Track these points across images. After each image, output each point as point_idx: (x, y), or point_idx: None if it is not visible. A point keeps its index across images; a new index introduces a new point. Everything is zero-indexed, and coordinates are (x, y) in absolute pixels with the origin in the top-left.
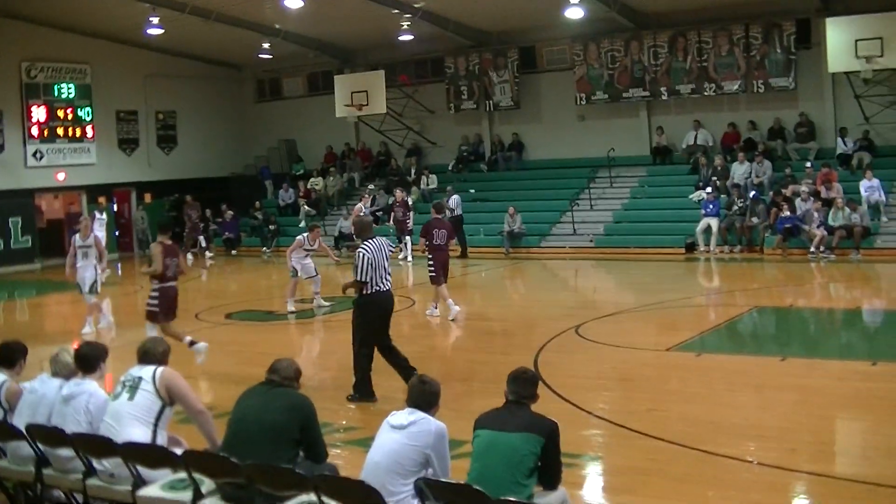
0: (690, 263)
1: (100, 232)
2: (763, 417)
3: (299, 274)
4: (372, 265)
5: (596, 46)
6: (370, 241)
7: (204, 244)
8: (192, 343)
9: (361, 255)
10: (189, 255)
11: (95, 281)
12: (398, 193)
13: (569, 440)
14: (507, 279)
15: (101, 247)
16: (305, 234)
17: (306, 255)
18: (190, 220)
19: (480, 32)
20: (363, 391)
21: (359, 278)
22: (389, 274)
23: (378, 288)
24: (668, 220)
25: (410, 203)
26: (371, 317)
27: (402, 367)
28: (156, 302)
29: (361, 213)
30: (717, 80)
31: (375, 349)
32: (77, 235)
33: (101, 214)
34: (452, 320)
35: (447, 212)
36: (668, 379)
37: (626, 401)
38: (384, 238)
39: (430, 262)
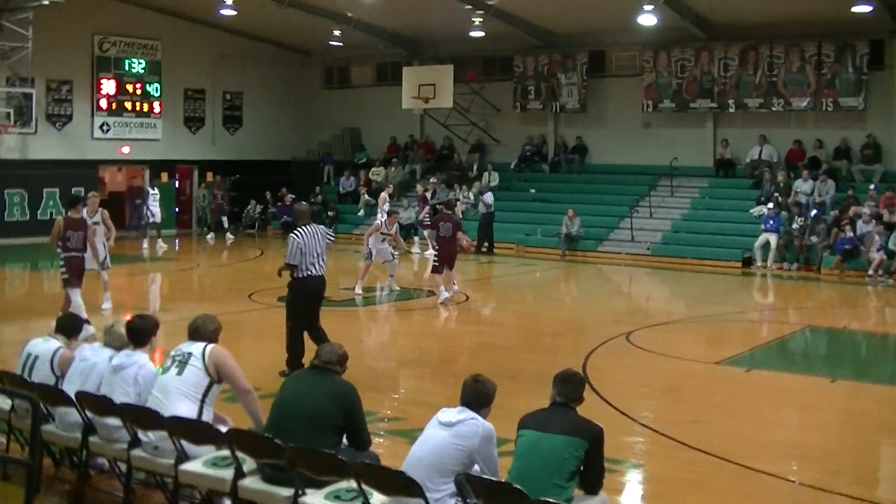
0: (746, 278)
1: (154, 207)
2: (807, 437)
3: (374, 257)
4: (302, 250)
5: (666, 54)
6: (305, 227)
7: (226, 225)
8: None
9: (293, 240)
10: (211, 235)
11: (106, 257)
12: (418, 188)
13: (611, 446)
14: (562, 281)
15: (108, 222)
16: (384, 219)
17: (383, 240)
18: (215, 200)
19: (551, 33)
20: (294, 368)
21: (287, 261)
22: (323, 260)
23: (309, 272)
24: (727, 233)
25: (428, 197)
26: (301, 299)
27: (299, 355)
28: (64, 270)
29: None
30: (786, 96)
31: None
32: (86, 211)
33: (154, 190)
34: (441, 304)
35: (483, 207)
36: (714, 392)
37: (671, 411)
38: (322, 227)
39: (436, 253)
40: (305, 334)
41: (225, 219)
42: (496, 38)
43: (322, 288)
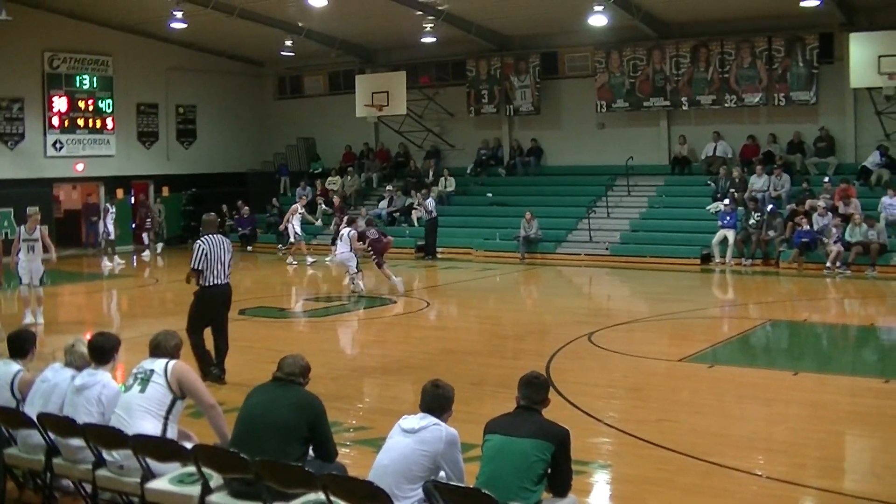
0: (706, 275)
1: (110, 226)
2: (773, 431)
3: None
4: (207, 258)
5: (618, 54)
6: (211, 236)
7: (146, 241)
8: None
9: (199, 246)
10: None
11: (43, 273)
12: (335, 199)
13: (578, 447)
14: (522, 284)
15: (46, 240)
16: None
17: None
18: (139, 216)
19: (503, 37)
20: (206, 370)
21: (193, 266)
22: (228, 269)
23: (216, 281)
24: (685, 230)
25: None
26: (204, 305)
27: (220, 353)
28: None
29: (299, 213)
30: (739, 92)
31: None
32: (23, 228)
33: (112, 208)
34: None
35: (426, 213)
36: (679, 389)
37: (637, 410)
38: (226, 238)
39: (370, 252)
40: (211, 341)
41: (145, 235)
42: (448, 42)
43: (227, 295)
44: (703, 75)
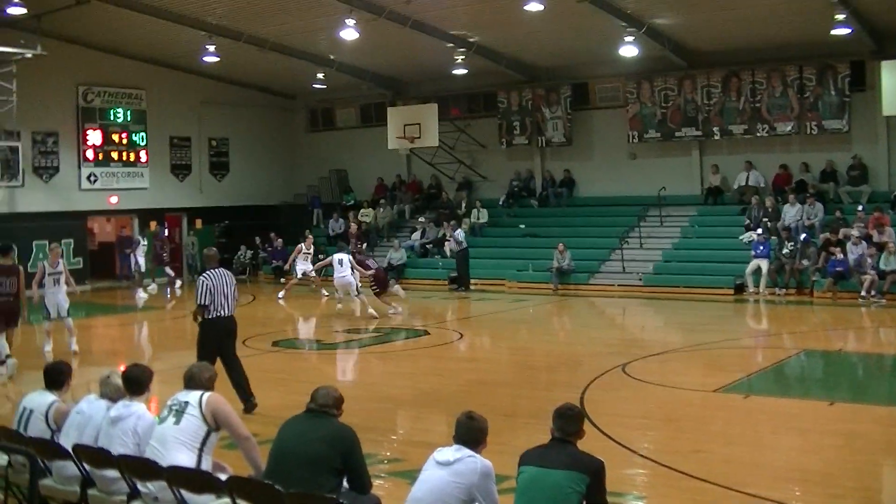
0: (739, 305)
1: (141, 258)
2: (808, 462)
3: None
4: (211, 292)
5: (649, 84)
6: (214, 271)
7: (170, 273)
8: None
9: (202, 282)
10: (152, 286)
11: (68, 306)
12: (353, 227)
13: (613, 479)
14: (555, 315)
15: (66, 273)
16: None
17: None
18: (155, 250)
19: (533, 68)
20: (245, 398)
21: (198, 302)
22: (232, 301)
23: (219, 313)
24: (718, 260)
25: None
26: (210, 337)
27: (241, 385)
28: None
29: (304, 253)
30: (770, 121)
31: (220, 364)
32: (46, 262)
33: (143, 240)
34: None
35: (455, 245)
36: (713, 420)
37: (672, 441)
38: (228, 272)
39: (372, 283)
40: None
41: (168, 269)
42: (479, 74)
43: (233, 327)
44: (735, 104)
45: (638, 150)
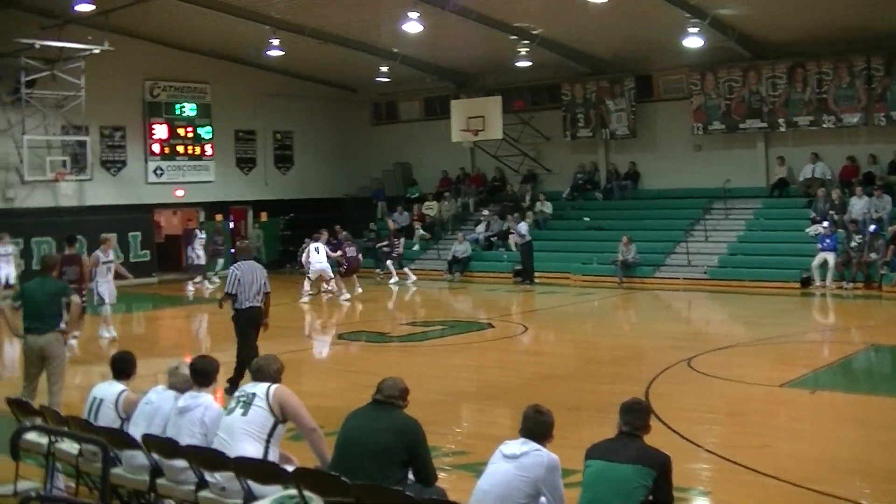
0: (806, 298)
1: (200, 251)
2: (876, 458)
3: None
4: (241, 282)
5: (713, 76)
6: (245, 262)
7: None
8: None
9: (232, 271)
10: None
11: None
12: (390, 223)
13: (678, 473)
14: (619, 308)
15: (116, 263)
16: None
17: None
18: (214, 245)
19: (597, 60)
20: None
21: (226, 290)
22: (260, 294)
23: (248, 304)
24: (784, 253)
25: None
26: (242, 327)
27: (238, 370)
28: None
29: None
30: (837, 112)
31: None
32: (100, 251)
33: (202, 233)
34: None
35: (519, 238)
36: (779, 415)
37: (737, 436)
38: (259, 264)
39: (343, 265)
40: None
41: (221, 261)
42: (543, 66)
43: (257, 317)
44: (800, 96)
45: (702, 142)
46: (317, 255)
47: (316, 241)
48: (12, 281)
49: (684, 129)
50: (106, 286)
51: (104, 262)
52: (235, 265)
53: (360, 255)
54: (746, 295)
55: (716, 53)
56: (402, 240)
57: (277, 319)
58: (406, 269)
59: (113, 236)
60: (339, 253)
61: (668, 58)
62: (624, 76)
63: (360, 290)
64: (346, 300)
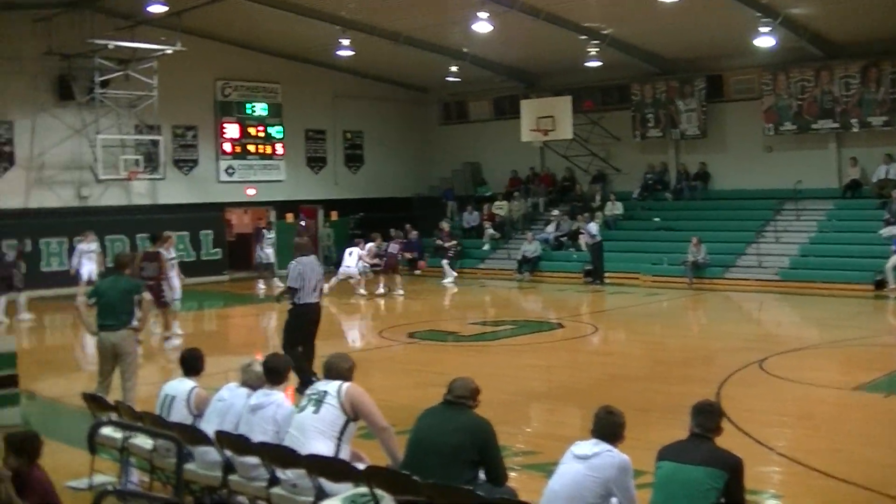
0: (879, 301)
1: (269, 249)
2: None
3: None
4: (302, 277)
5: (785, 76)
6: (305, 258)
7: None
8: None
9: (294, 266)
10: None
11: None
12: (443, 225)
13: (749, 476)
14: (690, 310)
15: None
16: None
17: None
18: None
19: (667, 60)
20: (305, 379)
21: (288, 285)
22: (318, 290)
23: (308, 300)
24: (857, 255)
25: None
26: (298, 323)
27: (303, 369)
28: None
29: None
30: None
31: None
32: (162, 249)
33: (270, 233)
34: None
35: (589, 238)
36: (851, 419)
37: (808, 439)
38: (317, 260)
39: (380, 264)
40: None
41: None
42: (613, 66)
43: (317, 314)
44: (874, 96)
45: (773, 142)
46: (348, 259)
47: (355, 246)
48: (94, 278)
49: (755, 130)
50: (168, 282)
51: (168, 260)
52: (297, 260)
53: (395, 255)
54: (818, 297)
55: (787, 53)
56: (455, 241)
57: (348, 318)
58: (447, 269)
59: (174, 235)
60: (375, 259)
61: (739, 57)
62: (694, 76)
63: (400, 291)
64: (380, 294)
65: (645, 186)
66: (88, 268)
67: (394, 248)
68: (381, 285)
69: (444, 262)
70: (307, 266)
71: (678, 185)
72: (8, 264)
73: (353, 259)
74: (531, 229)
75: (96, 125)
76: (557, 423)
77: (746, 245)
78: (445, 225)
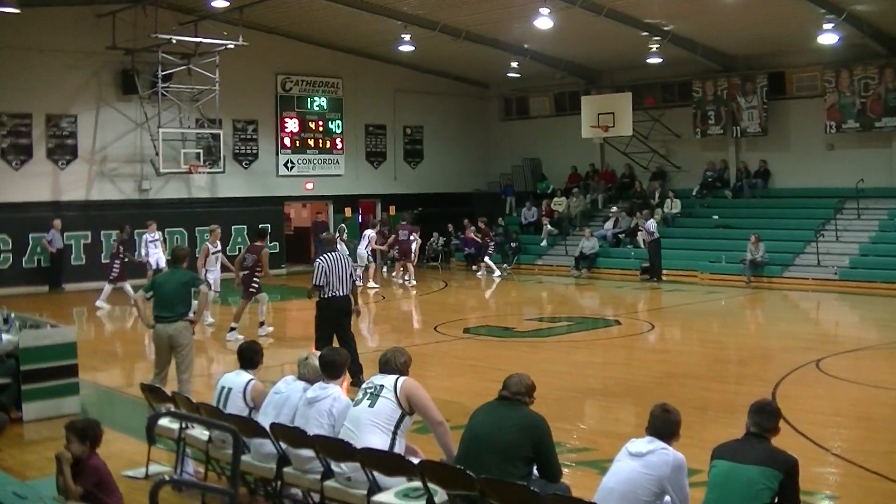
0: None
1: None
2: None
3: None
4: (326, 273)
5: (848, 73)
6: (330, 253)
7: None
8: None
9: (318, 264)
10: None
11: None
12: (479, 224)
13: (804, 477)
14: (747, 308)
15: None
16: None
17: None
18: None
19: (729, 57)
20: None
21: (313, 282)
22: (346, 283)
23: (335, 293)
24: None
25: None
26: (326, 315)
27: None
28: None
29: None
30: None
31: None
32: (208, 242)
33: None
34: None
35: (647, 235)
36: None
37: (865, 441)
38: (343, 255)
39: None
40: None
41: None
42: (674, 63)
43: (347, 306)
44: None
45: (835, 140)
46: (363, 242)
47: (372, 228)
48: (162, 265)
49: (817, 128)
50: (213, 273)
51: (213, 252)
52: (321, 256)
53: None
54: (878, 297)
55: (851, 50)
56: (493, 239)
57: (406, 313)
58: (487, 262)
59: (218, 227)
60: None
61: (801, 55)
62: (756, 73)
63: (413, 281)
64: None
65: (704, 184)
66: (156, 255)
67: (403, 233)
68: (396, 274)
69: (486, 258)
70: (331, 262)
71: (738, 183)
72: (111, 255)
73: (364, 241)
74: (589, 226)
75: (158, 119)
76: (612, 420)
77: (806, 244)
78: (481, 223)
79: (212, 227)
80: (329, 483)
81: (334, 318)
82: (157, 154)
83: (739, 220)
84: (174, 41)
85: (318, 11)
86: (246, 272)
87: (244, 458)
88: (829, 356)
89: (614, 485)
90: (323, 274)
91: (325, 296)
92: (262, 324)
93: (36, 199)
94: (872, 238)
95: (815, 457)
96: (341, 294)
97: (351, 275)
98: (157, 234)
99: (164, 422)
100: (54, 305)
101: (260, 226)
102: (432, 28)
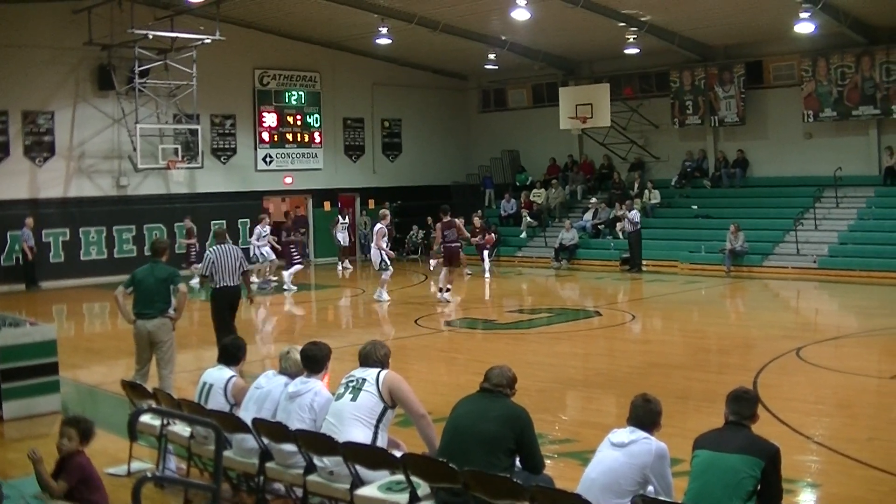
0: None
1: (342, 234)
2: None
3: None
4: (215, 265)
5: (825, 62)
6: (220, 246)
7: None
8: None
9: (207, 255)
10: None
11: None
12: (476, 220)
13: (786, 464)
14: (728, 297)
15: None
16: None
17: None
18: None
19: (706, 47)
20: None
21: (201, 272)
22: (236, 274)
23: (225, 284)
24: None
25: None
26: (219, 305)
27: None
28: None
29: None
30: None
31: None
32: (259, 226)
33: (344, 219)
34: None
35: (629, 226)
36: (890, 407)
37: (846, 428)
38: (234, 247)
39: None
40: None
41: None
42: (651, 53)
43: (236, 296)
44: None
45: (813, 129)
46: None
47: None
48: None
49: (795, 117)
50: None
51: (263, 236)
52: (211, 249)
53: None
54: (857, 285)
55: (828, 39)
56: (490, 233)
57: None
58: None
59: (191, 222)
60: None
61: (778, 44)
62: (734, 63)
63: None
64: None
65: (683, 174)
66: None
67: (451, 232)
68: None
69: (485, 255)
70: (219, 254)
71: (717, 173)
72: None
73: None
74: (569, 217)
75: (135, 114)
76: (594, 410)
77: (785, 233)
78: (477, 219)
79: (185, 222)
80: (312, 477)
81: (226, 308)
82: (134, 150)
83: (719, 210)
84: (151, 36)
85: (295, 5)
86: (453, 245)
87: (226, 453)
88: (809, 344)
89: (597, 475)
90: (210, 265)
91: (217, 286)
92: (447, 289)
93: (13, 197)
94: (851, 226)
95: (796, 444)
96: (232, 284)
97: (240, 266)
98: (268, 229)
99: (145, 418)
100: (33, 303)
101: (442, 206)
102: (409, 21)
